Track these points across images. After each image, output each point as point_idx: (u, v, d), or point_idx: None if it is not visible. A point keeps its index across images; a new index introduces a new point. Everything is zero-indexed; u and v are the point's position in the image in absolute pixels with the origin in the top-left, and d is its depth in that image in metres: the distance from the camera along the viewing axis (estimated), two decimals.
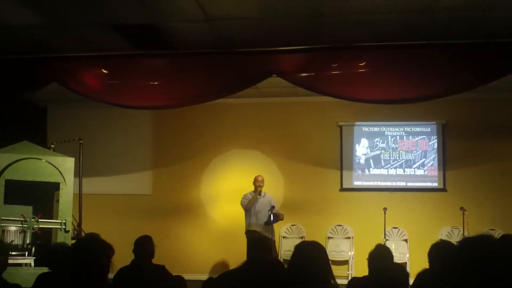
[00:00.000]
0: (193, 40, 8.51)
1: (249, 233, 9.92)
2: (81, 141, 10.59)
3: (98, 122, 12.31)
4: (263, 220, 10.06)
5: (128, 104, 9.47)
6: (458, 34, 8.11)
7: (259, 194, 10.19)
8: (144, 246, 6.11)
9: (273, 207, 9.93)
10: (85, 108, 11.77)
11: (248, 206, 10.07)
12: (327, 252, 3.99)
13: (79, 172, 10.34)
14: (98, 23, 7.96)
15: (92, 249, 3.62)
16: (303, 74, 8.78)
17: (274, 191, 10.77)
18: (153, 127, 12.42)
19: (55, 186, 9.31)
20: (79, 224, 10.07)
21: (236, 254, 10.08)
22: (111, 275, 4.50)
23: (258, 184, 10.21)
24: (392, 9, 7.35)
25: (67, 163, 9.42)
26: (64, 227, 9.11)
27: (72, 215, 9.49)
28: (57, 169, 9.21)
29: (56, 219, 9.21)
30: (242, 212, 10.25)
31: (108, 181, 12.24)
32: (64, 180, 9.25)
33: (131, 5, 7.27)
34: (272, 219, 9.77)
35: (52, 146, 10.50)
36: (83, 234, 9.71)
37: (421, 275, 4.80)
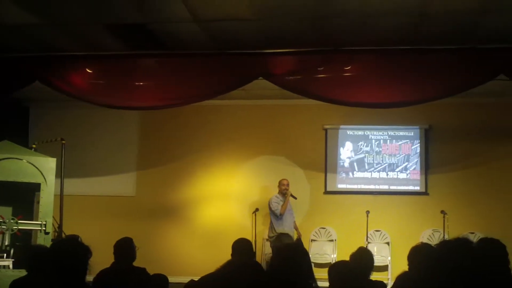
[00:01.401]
0: (186, 40, 8.48)
1: (284, 236, 9.75)
2: (63, 142, 10.46)
3: (82, 122, 12.23)
4: (291, 222, 10.23)
5: (119, 105, 9.44)
6: (449, 39, 8.17)
7: (292, 196, 10.23)
8: (124, 248, 6.03)
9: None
10: (69, 108, 11.70)
11: (283, 209, 10.01)
12: (310, 255, 3.98)
13: (61, 173, 10.20)
14: (90, 22, 7.92)
15: (68, 251, 3.58)
16: (292, 77, 8.79)
17: (258, 193, 10.72)
18: (139, 129, 12.36)
19: (36, 187, 9.21)
20: (60, 226, 9.97)
21: (220, 257, 9.96)
22: (90, 278, 4.46)
23: (284, 187, 10.23)
24: (384, 13, 7.38)
25: (49, 164, 9.32)
26: (44, 228, 9.00)
27: (53, 217, 9.40)
28: (38, 170, 9.11)
29: (37, 220, 9.10)
30: (228, 215, 10.13)
31: (91, 182, 12.16)
32: (45, 180, 9.15)
33: (122, 4, 7.24)
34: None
35: (34, 146, 10.40)
36: (63, 235, 9.62)
37: (400, 278, 4.81)
